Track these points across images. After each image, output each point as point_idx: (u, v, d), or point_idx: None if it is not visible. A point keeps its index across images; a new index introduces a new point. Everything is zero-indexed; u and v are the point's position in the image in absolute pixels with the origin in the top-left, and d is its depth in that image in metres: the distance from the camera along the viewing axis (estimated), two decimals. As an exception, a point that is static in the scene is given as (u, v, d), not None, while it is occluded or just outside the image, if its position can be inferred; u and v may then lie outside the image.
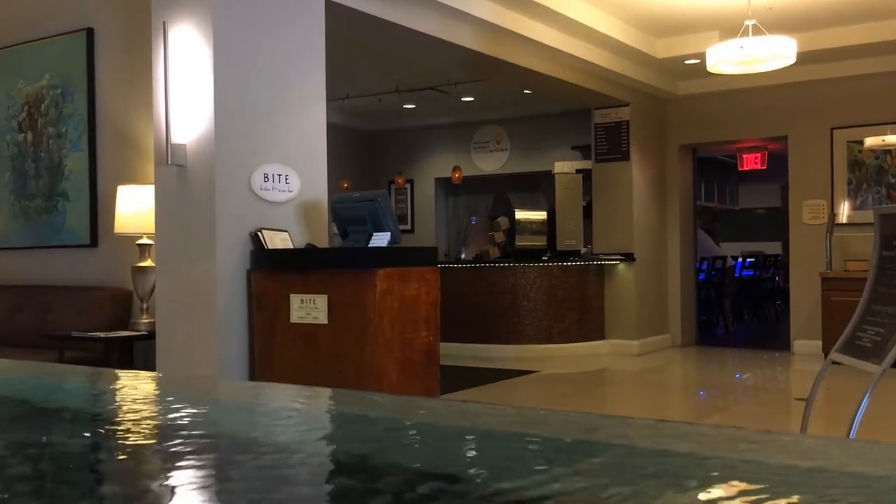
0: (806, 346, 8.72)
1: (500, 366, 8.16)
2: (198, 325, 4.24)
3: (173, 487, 0.76)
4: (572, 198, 9.18)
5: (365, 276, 3.92)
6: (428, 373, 4.29)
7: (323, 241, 4.70)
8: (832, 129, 8.73)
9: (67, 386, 1.54)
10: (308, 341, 4.04)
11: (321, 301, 4.00)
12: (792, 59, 5.90)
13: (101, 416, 1.21)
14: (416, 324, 4.16)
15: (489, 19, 6.31)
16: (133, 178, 5.13)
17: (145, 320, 4.88)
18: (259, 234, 4.28)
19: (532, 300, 8.72)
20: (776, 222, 18.11)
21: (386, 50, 7.06)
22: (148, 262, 4.87)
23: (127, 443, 0.97)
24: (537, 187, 11.77)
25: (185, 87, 4.29)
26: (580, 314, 8.90)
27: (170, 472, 0.84)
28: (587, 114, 9.49)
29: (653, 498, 0.72)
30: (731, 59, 5.84)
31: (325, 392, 1.55)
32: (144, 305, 4.93)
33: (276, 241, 4.34)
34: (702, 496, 0.73)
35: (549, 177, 9.78)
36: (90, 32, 5.46)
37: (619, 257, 8.96)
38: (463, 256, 11.39)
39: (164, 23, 4.34)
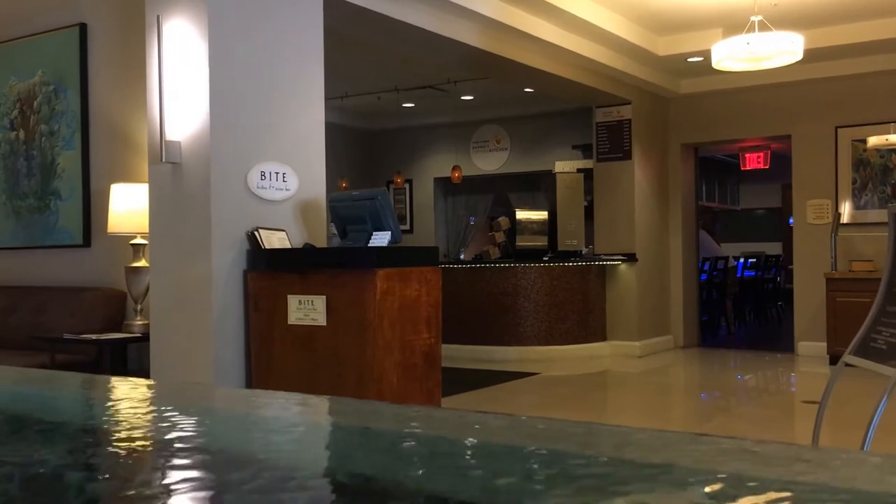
0: (810, 347, 8.61)
1: (501, 368, 8.05)
2: (193, 326, 4.13)
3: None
4: (573, 197, 9.08)
5: (364, 277, 3.81)
6: (429, 375, 4.18)
7: (321, 241, 4.59)
8: (836, 127, 8.62)
9: (49, 396, 1.45)
10: (306, 343, 3.93)
11: (320, 302, 3.89)
12: (799, 56, 5.79)
13: (84, 430, 1.12)
14: (416, 325, 4.05)
15: (490, 15, 6.20)
16: (127, 177, 5.01)
17: (139, 322, 4.77)
18: (256, 233, 4.17)
19: (533, 301, 8.61)
20: (776, 222, 18.05)
21: (385, 47, 6.94)
22: (142, 263, 4.76)
23: (111, 462, 0.90)
24: (537, 187, 11.68)
25: (179, 82, 4.18)
26: (581, 315, 8.79)
27: (158, 496, 0.76)
28: (588, 113, 9.39)
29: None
30: (736, 55, 5.73)
31: (325, 401, 1.44)
32: (138, 307, 4.81)
33: (274, 240, 4.23)
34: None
35: (549, 176, 9.68)
36: (83, 28, 5.34)
37: (620, 258, 8.85)
38: (462, 257, 11.28)
39: (157, 17, 4.22)
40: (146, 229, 4.47)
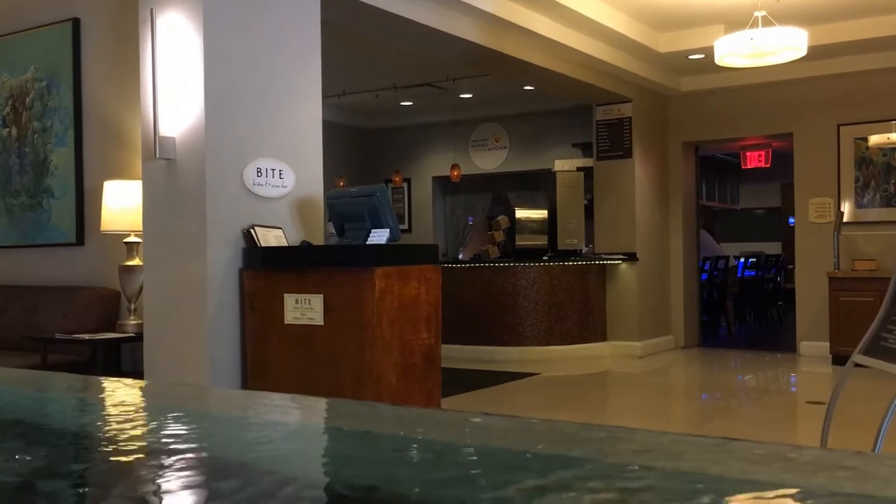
0: (813, 347, 8.53)
1: (501, 368, 7.96)
2: (187, 326, 4.04)
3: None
4: (573, 196, 8.99)
5: (363, 275, 3.73)
6: (429, 376, 4.10)
7: (318, 239, 4.50)
8: (839, 125, 8.55)
9: (36, 397, 1.37)
10: (303, 343, 3.84)
11: (317, 301, 3.80)
12: (803, 52, 5.72)
13: (67, 434, 1.05)
14: (416, 325, 3.97)
15: (490, 11, 6.12)
16: (121, 174, 4.93)
17: (133, 321, 4.68)
18: (252, 231, 4.08)
19: (533, 301, 8.53)
20: (775, 222, 17.98)
21: (383, 43, 6.86)
22: (136, 261, 4.67)
23: (94, 468, 0.86)
24: (537, 186, 11.60)
25: (174, 77, 4.10)
26: (582, 315, 8.71)
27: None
28: (588, 111, 9.31)
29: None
30: (739, 51, 5.65)
31: (323, 403, 1.35)
32: (132, 306, 4.73)
33: (270, 238, 4.14)
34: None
35: (549, 175, 9.59)
36: (76, 22, 5.26)
37: (621, 257, 8.77)
38: (460, 257, 11.20)
39: (151, 10, 4.14)
40: (140, 227, 4.39)
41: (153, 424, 1.10)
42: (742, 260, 12.38)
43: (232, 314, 4.06)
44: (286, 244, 4.20)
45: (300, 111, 4.47)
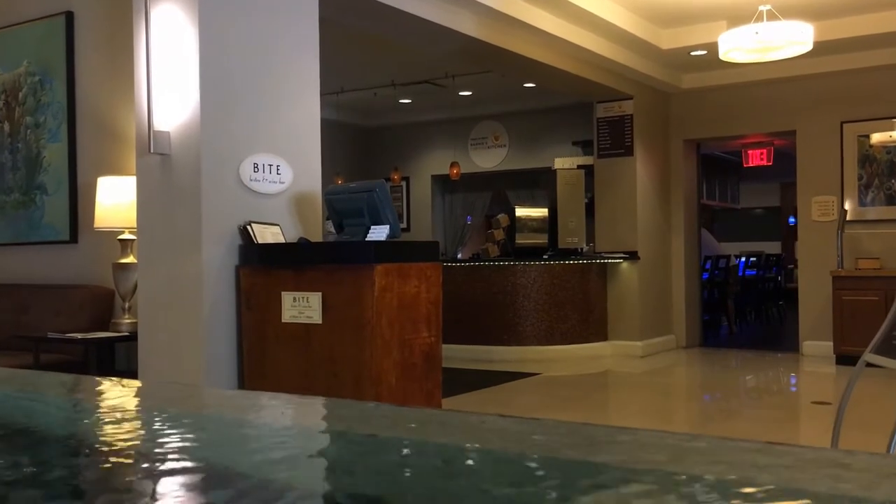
0: (816, 347, 8.45)
1: (501, 368, 7.87)
2: (182, 325, 3.94)
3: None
4: (574, 194, 8.90)
5: (362, 272, 3.64)
6: (429, 376, 4.01)
7: (317, 236, 4.41)
8: (842, 122, 8.47)
9: (21, 398, 1.29)
10: (301, 342, 3.75)
11: (315, 299, 3.71)
12: (809, 46, 5.63)
13: (51, 438, 0.98)
14: (416, 323, 3.88)
15: (491, 5, 6.03)
16: (115, 170, 4.83)
17: (127, 320, 4.59)
18: (248, 227, 3.99)
19: (533, 300, 8.44)
20: (774, 222, 17.91)
21: (381, 38, 6.77)
22: (130, 259, 4.58)
23: (79, 476, 0.80)
24: (536, 184, 11.51)
25: (169, 70, 4.00)
26: (582, 315, 8.62)
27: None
28: (588, 109, 9.23)
29: None
30: (744, 45, 5.57)
31: (323, 405, 1.26)
32: (126, 305, 4.63)
33: (267, 235, 4.05)
34: None
35: (549, 173, 9.50)
36: (69, 16, 5.16)
37: (622, 256, 8.69)
38: (459, 256, 11.11)
39: (145, 2, 4.04)
40: (134, 224, 4.29)
41: (143, 428, 1.03)
42: (743, 259, 12.30)
43: (228, 313, 3.97)
44: (284, 241, 4.11)
45: (298, 105, 4.38)
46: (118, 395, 1.31)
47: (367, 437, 0.99)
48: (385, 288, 3.66)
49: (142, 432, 0.99)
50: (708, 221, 14.31)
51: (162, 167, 4.03)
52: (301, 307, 3.75)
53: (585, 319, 8.64)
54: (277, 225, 4.14)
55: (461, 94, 10.51)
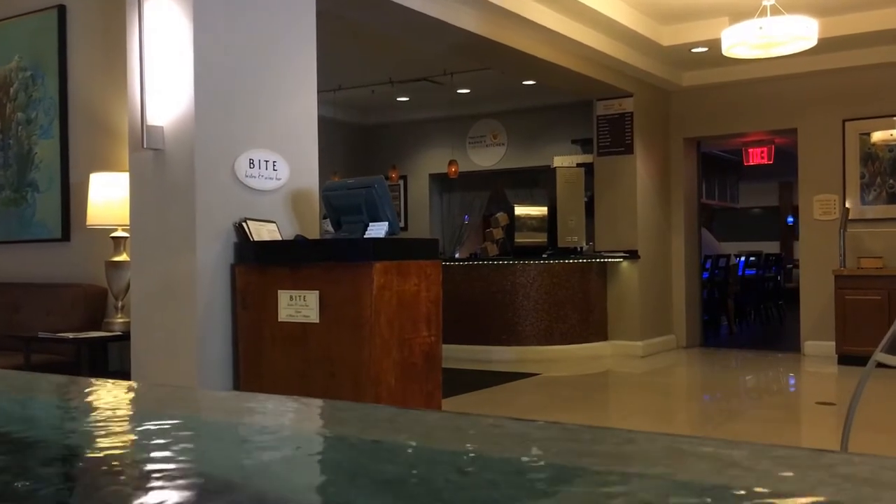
0: (818, 347, 8.37)
1: (500, 368, 7.79)
2: (176, 324, 3.85)
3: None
4: (574, 193, 8.81)
5: (360, 270, 3.55)
6: (429, 377, 3.92)
7: (314, 233, 4.32)
8: (844, 120, 8.39)
9: (5, 400, 1.23)
10: (297, 342, 3.66)
11: (312, 298, 3.62)
12: (813, 42, 5.55)
13: (35, 444, 0.93)
14: (416, 323, 3.79)
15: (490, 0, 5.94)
16: (108, 166, 4.74)
17: (120, 319, 4.49)
18: (244, 224, 3.90)
19: (532, 300, 8.36)
20: (773, 221, 17.85)
21: (379, 33, 6.69)
22: (123, 257, 4.49)
23: (62, 484, 0.77)
24: (535, 183, 11.43)
25: (162, 63, 3.91)
26: (582, 314, 8.53)
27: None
28: (587, 107, 9.15)
29: None
30: (748, 40, 5.48)
31: (323, 407, 1.17)
32: (119, 303, 4.54)
33: (263, 232, 3.96)
34: None
35: (548, 172, 9.41)
36: (62, 10, 5.06)
37: (622, 255, 8.60)
38: (456, 256, 11.02)
39: (139, -7, 3.95)
40: (127, 221, 4.19)
41: (132, 433, 0.97)
42: (742, 259, 12.24)
43: (223, 312, 3.88)
44: (280, 238, 4.02)
45: (295, 100, 4.29)
46: (108, 397, 1.24)
47: (371, 442, 0.90)
48: (384, 286, 3.57)
49: (131, 438, 0.94)
50: (707, 221, 14.24)
51: (155, 163, 3.94)
52: (298, 306, 3.66)
53: (585, 319, 8.56)
54: (274, 222, 4.05)
55: (459, 91, 10.42)
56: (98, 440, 0.96)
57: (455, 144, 11.57)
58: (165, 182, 3.91)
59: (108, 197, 4.50)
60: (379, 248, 3.62)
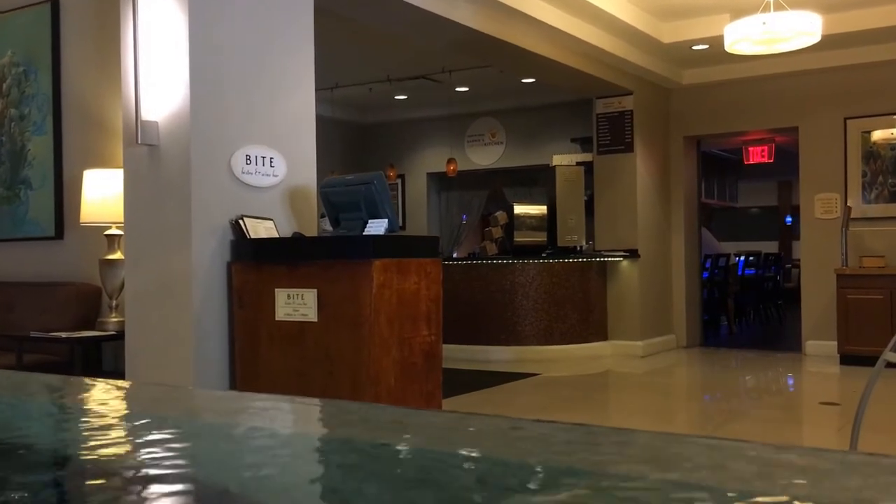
0: (819, 346, 8.31)
1: (499, 368, 7.71)
2: (172, 323, 3.78)
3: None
4: (573, 191, 8.73)
5: (359, 268, 3.47)
6: (429, 376, 3.85)
7: (311, 230, 4.24)
8: (846, 118, 8.33)
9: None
10: (295, 342, 3.59)
11: (310, 296, 3.55)
12: (817, 37, 5.49)
13: (21, 448, 0.87)
14: (416, 321, 3.72)
15: (489, -5, 5.88)
16: (102, 163, 4.66)
17: (114, 319, 4.42)
18: (240, 222, 3.83)
19: (531, 299, 8.29)
20: (771, 221, 17.80)
21: (377, 31, 6.61)
22: (117, 255, 4.41)
23: (45, 493, 0.71)
24: (534, 182, 11.37)
25: (157, 57, 3.83)
26: (582, 314, 8.46)
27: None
28: (587, 105, 9.08)
29: None
30: (751, 36, 5.41)
31: (324, 407, 1.10)
32: (114, 302, 4.46)
33: (260, 229, 3.88)
34: None
35: (547, 170, 9.35)
36: (55, 4, 4.98)
37: (622, 254, 8.53)
38: (454, 256, 10.94)
39: (133, -14, 3.87)
40: (122, 219, 4.11)
41: (123, 438, 0.92)
42: (742, 258, 12.18)
43: (219, 310, 3.80)
44: (277, 236, 3.95)
45: (293, 95, 4.22)
46: (99, 397, 1.19)
47: (379, 446, 0.83)
48: (383, 284, 3.50)
49: (122, 442, 0.89)
50: (705, 220, 14.18)
51: (150, 159, 3.86)
52: (296, 305, 3.59)
53: (585, 319, 8.49)
54: (271, 219, 3.98)
55: (458, 90, 10.35)
56: (82, 442, 0.90)
57: (453, 143, 11.50)
58: (160, 178, 3.83)
59: (102, 194, 4.42)
60: (378, 246, 3.55)
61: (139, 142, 3.80)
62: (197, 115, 3.77)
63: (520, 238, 8.84)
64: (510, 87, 10.12)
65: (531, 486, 0.68)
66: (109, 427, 0.97)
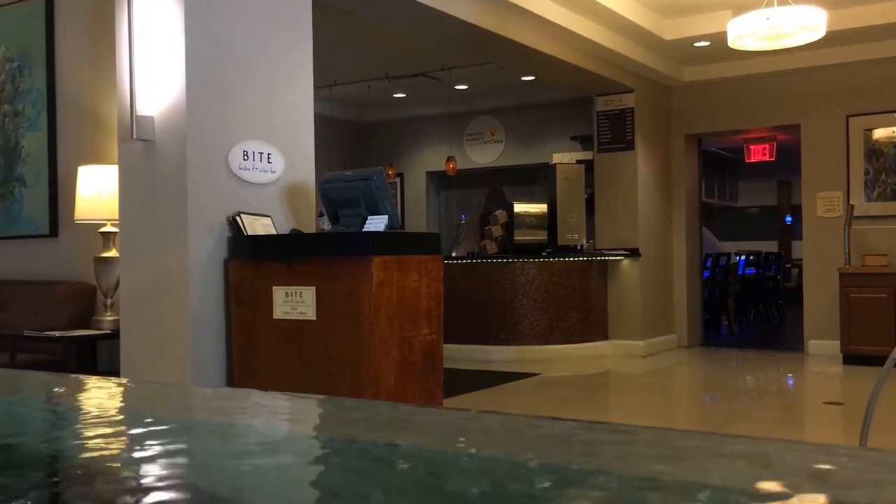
0: (822, 346, 8.25)
1: (499, 368, 7.65)
2: (168, 322, 3.71)
3: None
4: (574, 190, 8.66)
5: (359, 265, 3.41)
6: (430, 376, 3.78)
7: (310, 227, 4.18)
8: (848, 116, 8.27)
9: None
10: (294, 340, 3.52)
11: (308, 294, 3.48)
12: (821, 33, 5.43)
13: (9, 449, 0.83)
14: (416, 320, 3.65)
15: (490, -10, 5.81)
16: (97, 159, 4.59)
17: (109, 317, 4.35)
18: (237, 218, 3.76)
19: (532, 298, 8.22)
20: (771, 220, 17.75)
21: (375, 28, 6.54)
22: (112, 253, 4.34)
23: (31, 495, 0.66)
24: (534, 180, 11.31)
25: (153, 51, 3.76)
26: (582, 313, 8.40)
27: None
28: (587, 103, 9.02)
29: None
30: (755, 31, 5.35)
31: (325, 406, 1.03)
32: (109, 301, 4.39)
33: (257, 226, 3.82)
34: None
35: (548, 168, 9.28)
36: (50, -2, 4.92)
37: (623, 253, 8.47)
38: (453, 255, 10.88)
39: (128, -21, 3.80)
40: (117, 216, 4.05)
41: (115, 439, 0.87)
42: (742, 258, 12.12)
43: (216, 308, 3.74)
44: (275, 233, 3.88)
45: (291, 90, 4.15)
46: (92, 395, 1.16)
47: (386, 447, 0.76)
48: (383, 282, 3.44)
49: (113, 444, 0.85)
50: (705, 220, 14.13)
51: (145, 154, 3.79)
52: (294, 302, 3.52)
53: (585, 318, 8.42)
54: (268, 216, 3.92)
55: (457, 87, 10.29)
56: (71, 444, 0.86)
57: (453, 141, 11.43)
58: (156, 174, 3.76)
59: (96, 191, 4.35)
60: (378, 243, 3.49)
61: (134, 137, 3.73)
62: (193, 109, 3.70)
63: (520, 237, 8.78)
64: (510, 84, 10.06)
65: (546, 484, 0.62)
66: (102, 425, 0.93)
